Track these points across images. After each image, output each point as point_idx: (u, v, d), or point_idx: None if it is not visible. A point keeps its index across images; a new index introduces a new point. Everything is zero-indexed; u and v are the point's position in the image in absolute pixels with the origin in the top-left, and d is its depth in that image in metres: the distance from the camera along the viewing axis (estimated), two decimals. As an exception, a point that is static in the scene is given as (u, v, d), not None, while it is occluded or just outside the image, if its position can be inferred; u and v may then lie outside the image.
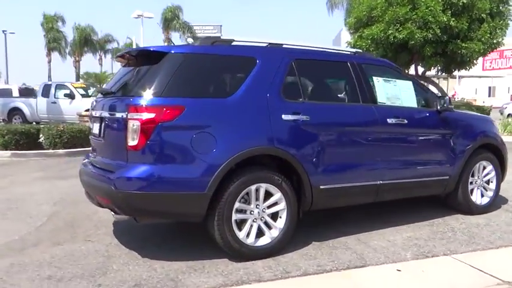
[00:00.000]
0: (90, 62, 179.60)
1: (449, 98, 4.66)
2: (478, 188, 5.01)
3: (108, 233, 4.32)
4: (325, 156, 3.81)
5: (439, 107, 4.58)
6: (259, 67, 3.65)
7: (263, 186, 3.55)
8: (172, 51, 3.44)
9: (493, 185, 5.12)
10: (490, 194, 5.11)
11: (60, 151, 9.79)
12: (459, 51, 12.91)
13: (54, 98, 14.37)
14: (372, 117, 4.13)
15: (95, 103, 3.93)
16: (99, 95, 4.11)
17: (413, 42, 12.60)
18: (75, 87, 14.49)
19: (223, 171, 3.34)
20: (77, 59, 43.87)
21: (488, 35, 12.85)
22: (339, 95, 4.29)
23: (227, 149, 3.39)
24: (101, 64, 51.85)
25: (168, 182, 3.29)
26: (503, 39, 13.52)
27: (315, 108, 3.86)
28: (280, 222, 3.66)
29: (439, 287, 3.18)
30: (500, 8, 13.36)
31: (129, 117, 3.25)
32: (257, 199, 3.56)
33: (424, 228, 4.49)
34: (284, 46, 4.00)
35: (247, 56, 3.70)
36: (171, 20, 40.94)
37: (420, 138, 4.51)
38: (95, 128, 3.85)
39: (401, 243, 4.04)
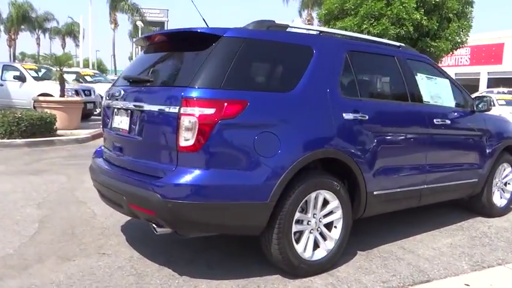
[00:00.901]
0: (26, 42, 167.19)
1: (489, 98, 4.50)
2: (498, 190, 4.95)
3: (122, 243, 3.71)
4: (379, 159, 3.48)
5: (475, 108, 4.42)
6: (317, 58, 3.22)
7: (322, 194, 3.16)
8: (227, 35, 2.91)
9: (510, 187, 5.08)
10: (508, 196, 5.06)
11: (19, 141, 8.70)
12: (428, 49, 13.19)
13: (1, 80, 12.84)
14: (421, 117, 3.86)
15: (119, 91, 3.26)
16: (122, 82, 3.45)
17: (386, 38, 12.67)
18: (26, 69, 13.03)
19: (287, 177, 2.89)
20: (13, 37, 40.47)
21: (455, 34, 13.24)
22: (390, 93, 3.96)
23: (292, 151, 2.94)
24: (38, 44, 48.34)
25: (227, 190, 2.78)
26: (466, 39, 14.00)
27: (372, 106, 3.50)
28: (336, 233, 3.29)
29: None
30: (465, 9, 13.75)
31: (182, 112, 2.69)
32: (314, 207, 3.16)
33: (457, 234, 4.32)
34: (336, 36, 3.59)
35: (304, 45, 3.24)
36: (119, 0, 38.85)
37: (458, 140, 4.32)
38: (121, 122, 3.23)
39: (448, 251, 3.81)
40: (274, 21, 3.24)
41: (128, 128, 3.14)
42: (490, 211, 4.85)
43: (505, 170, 4.98)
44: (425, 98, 4.01)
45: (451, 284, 3.19)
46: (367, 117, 3.37)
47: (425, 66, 4.20)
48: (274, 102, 2.95)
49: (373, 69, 3.79)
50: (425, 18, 12.46)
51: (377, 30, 12.58)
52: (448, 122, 4.10)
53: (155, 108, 2.86)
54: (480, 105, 4.39)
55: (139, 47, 3.80)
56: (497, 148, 4.68)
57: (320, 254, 3.20)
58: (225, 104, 2.71)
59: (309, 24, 33.38)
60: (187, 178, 2.70)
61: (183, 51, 3.10)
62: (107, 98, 3.53)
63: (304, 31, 3.52)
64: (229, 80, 2.79)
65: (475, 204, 4.82)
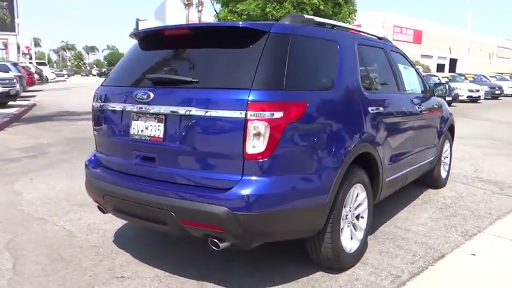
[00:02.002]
0: None
1: (447, 84, 5.01)
2: (441, 164, 5.60)
3: (132, 261, 3.31)
4: (390, 148, 3.68)
5: (434, 93, 4.90)
6: (342, 53, 3.23)
7: (357, 187, 3.23)
8: (273, 31, 2.72)
9: (448, 160, 5.79)
10: (447, 168, 5.77)
11: None
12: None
13: None
14: (410, 105, 4.16)
15: (145, 93, 2.80)
16: (146, 83, 2.94)
17: (289, 21, 13.10)
18: None
19: (341, 175, 2.90)
20: None
21: (346, 18, 14.31)
22: (386, 84, 4.13)
23: (342, 149, 2.94)
24: None
25: (295, 196, 2.67)
26: (353, 23, 15.23)
27: (381, 98, 3.65)
28: (363, 223, 3.40)
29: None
30: (349, -5, 14.87)
31: (249, 117, 2.47)
32: (351, 201, 3.22)
33: (427, 208, 4.80)
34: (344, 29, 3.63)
35: (331, 40, 3.21)
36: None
37: (427, 123, 4.75)
38: (148, 128, 2.82)
39: (435, 226, 4.22)
40: (303, 16, 3.14)
41: (162, 136, 2.76)
42: (439, 183, 5.50)
43: (444, 146, 5.66)
44: (407, 86, 4.32)
45: (461, 256, 3.55)
46: (381, 109, 3.51)
47: (400, 56, 4.49)
48: (324, 102, 2.90)
49: (373, 62, 3.93)
50: (322, 3, 13.17)
51: (280, 13, 12.91)
52: (422, 107, 4.49)
53: (210, 113, 2.56)
54: (439, 91, 4.88)
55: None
56: (445, 128, 5.30)
57: (355, 245, 3.29)
58: (291, 106, 2.57)
59: (188, 4, 32.68)
60: (257, 188, 2.51)
61: (222, 48, 2.80)
62: (109, 101, 3.06)
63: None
64: (288, 81, 2.64)
65: (428, 179, 5.39)
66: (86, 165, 3.36)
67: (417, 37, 51.33)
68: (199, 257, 3.40)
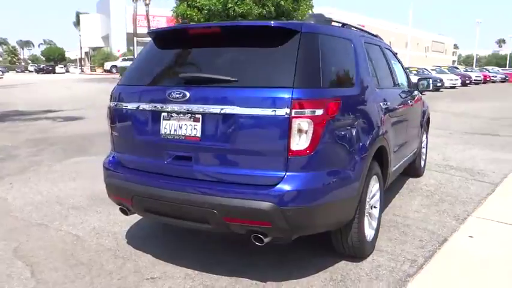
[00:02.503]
0: None
1: (429, 79, 5.32)
2: (421, 154, 5.96)
3: (156, 262, 3.29)
4: (393, 140, 3.89)
5: (418, 87, 5.21)
6: (356, 51, 3.38)
7: (374, 179, 3.41)
8: (304, 31, 2.81)
9: (424, 150, 6.17)
10: (424, 157, 6.15)
11: None
12: (285, 28, 14.16)
13: None
14: (404, 99, 4.42)
15: (180, 92, 2.77)
16: (178, 82, 2.91)
17: (251, 17, 13.17)
18: None
19: (366, 167, 3.06)
20: None
21: (305, 14, 14.63)
22: (386, 79, 4.33)
23: (367, 143, 3.10)
24: None
25: (334, 189, 2.78)
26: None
27: (386, 93, 3.85)
28: (376, 212, 3.59)
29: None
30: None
31: (293, 114, 2.54)
32: (369, 192, 3.39)
33: (415, 196, 5.11)
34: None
35: (347, 39, 3.34)
36: None
37: (415, 115, 5.04)
38: (182, 127, 2.81)
39: (429, 212, 4.51)
40: (323, 15, 3.24)
41: (199, 135, 2.77)
42: (419, 172, 5.85)
43: (423, 137, 6.03)
44: (398, 81, 4.57)
45: (461, 238, 3.84)
46: (388, 104, 3.72)
47: (391, 53, 4.73)
48: (352, 98, 3.03)
49: (375, 59, 4.11)
50: (283, -1, 13.38)
51: (242, 9, 12.94)
52: (412, 101, 4.77)
53: (253, 111, 2.61)
54: (423, 85, 5.19)
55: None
56: (425, 120, 5.65)
57: (371, 233, 3.47)
58: (329, 103, 2.68)
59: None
60: (302, 183, 2.61)
61: (255, 47, 2.84)
62: (133, 100, 3.03)
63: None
64: (324, 79, 2.75)
65: (412, 170, 5.71)
66: (105, 167, 3.27)
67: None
68: (221, 253, 3.44)
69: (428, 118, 6.03)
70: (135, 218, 4.15)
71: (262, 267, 3.22)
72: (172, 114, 2.86)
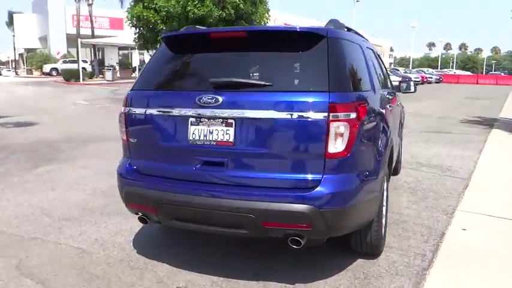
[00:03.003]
0: None
1: (410, 81, 5.58)
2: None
3: (176, 271, 3.21)
4: (393, 140, 4.06)
5: (400, 89, 5.46)
6: (365, 55, 3.51)
7: (384, 178, 3.54)
8: (330, 36, 2.87)
9: (400, 149, 6.47)
10: (400, 156, 6.46)
11: None
12: (244, 31, 14.21)
13: None
14: (393, 100, 4.62)
15: (213, 97, 2.74)
16: (207, 87, 2.84)
17: (211, 20, 13.07)
18: None
19: (385, 167, 3.18)
20: None
21: (262, 17, 14.78)
22: (381, 82, 4.48)
23: (385, 143, 3.23)
24: None
25: (366, 189, 2.87)
26: (267, 22, 15.75)
27: (387, 96, 4.02)
28: (384, 210, 3.73)
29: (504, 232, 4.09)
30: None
31: (331, 118, 2.60)
32: (381, 191, 3.53)
33: (400, 193, 5.34)
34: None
35: (357, 44, 3.45)
36: None
37: (400, 116, 5.28)
38: (213, 132, 2.78)
39: (419, 208, 4.74)
40: (339, 21, 3.32)
41: (232, 140, 2.74)
42: (398, 170, 6.13)
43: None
44: (386, 82, 4.77)
45: (457, 232, 4.08)
46: (389, 106, 3.89)
47: (377, 55, 4.93)
48: (372, 101, 3.13)
49: (373, 62, 4.26)
50: (242, 1, 13.41)
51: (202, 11, 12.83)
52: (399, 102, 5.00)
53: (290, 115, 2.63)
54: (405, 87, 5.44)
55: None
56: (403, 120, 5.94)
57: (384, 231, 3.60)
58: (359, 106, 2.75)
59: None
60: (339, 185, 2.67)
61: (282, 51, 2.86)
62: (153, 106, 2.95)
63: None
64: (353, 83, 2.83)
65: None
66: (122, 176, 3.15)
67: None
68: (239, 258, 3.43)
69: (404, 118, 6.34)
70: (136, 227, 4.04)
71: (285, 270, 3.24)
72: (202, 120, 2.81)
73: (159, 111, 2.94)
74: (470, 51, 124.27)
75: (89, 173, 6.06)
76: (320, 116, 2.60)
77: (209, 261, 3.38)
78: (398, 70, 41.51)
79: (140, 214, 3.09)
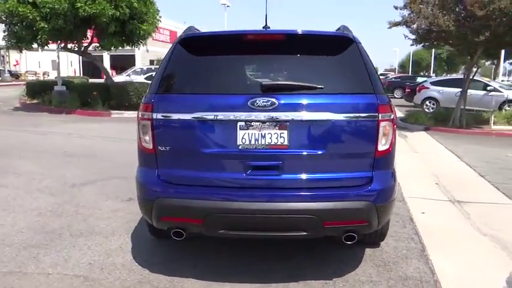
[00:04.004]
0: None
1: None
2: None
3: (208, 284, 3.06)
4: None
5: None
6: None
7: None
8: (355, 40, 3.04)
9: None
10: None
11: None
12: (138, 31, 13.51)
13: None
14: None
15: (268, 101, 2.68)
16: (255, 90, 2.78)
17: (104, 19, 12.12)
18: None
19: None
20: None
21: (154, 18, 14.24)
22: None
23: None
24: None
25: (396, 183, 3.09)
26: (159, 23, 15.20)
27: None
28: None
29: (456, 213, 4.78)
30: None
31: (380, 118, 2.78)
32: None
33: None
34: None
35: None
36: None
37: None
38: (267, 136, 2.73)
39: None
40: (347, 26, 3.49)
41: (287, 143, 2.73)
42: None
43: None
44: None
45: (419, 216, 4.64)
46: None
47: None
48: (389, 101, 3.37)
49: None
50: (135, 0, 12.77)
51: (94, 9, 11.85)
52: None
53: (344, 117, 2.73)
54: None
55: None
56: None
57: (388, 220, 3.90)
58: (392, 107, 2.99)
59: None
60: (387, 181, 2.88)
61: (319, 55, 2.93)
62: (191, 110, 2.78)
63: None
64: (382, 85, 3.05)
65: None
66: (151, 188, 2.86)
67: (173, 37, 53.89)
68: (260, 263, 3.40)
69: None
70: (125, 245, 3.72)
71: (312, 268, 3.32)
72: (252, 124, 2.74)
73: (199, 116, 2.77)
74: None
75: (17, 193, 5.23)
76: (371, 116, 2.77)
77: (235, 268, 3.30)
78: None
79: (176, 228, 2.86)
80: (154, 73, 17.25)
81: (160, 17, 14.80)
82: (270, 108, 2.71)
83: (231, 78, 2.92)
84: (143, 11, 13.25)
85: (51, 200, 4.97)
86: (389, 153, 2.89)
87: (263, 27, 3.38)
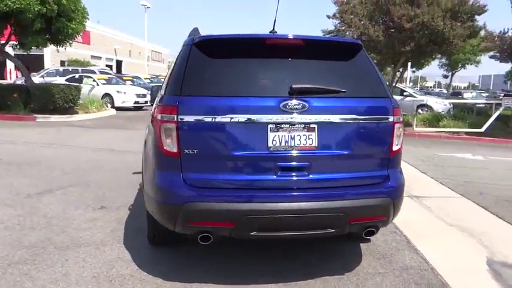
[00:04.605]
0: None
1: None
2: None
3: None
4: None
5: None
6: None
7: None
8: (362, 48, 3.25)
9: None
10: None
11: None
12: (65, 30, 12.58)
13: None
14: None
15: (300, 104, 2.78)
16: (282, 92, 2.84)
17: (29, 15, 11.13)
18: None
19: None
20: None
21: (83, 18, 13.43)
22: None
23: None
24: None
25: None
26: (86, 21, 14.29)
27: None
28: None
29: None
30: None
31: (395, 120, 3.00)
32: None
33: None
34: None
35: None
36: None
37: None
38: (296, 138, 2.81)
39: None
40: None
41: (315, 144, 2.82)
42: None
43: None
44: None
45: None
46: None
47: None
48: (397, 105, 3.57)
49: None
50: (66, -2, 11.96)
51: (18, 4, 10.86)
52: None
53: (366, 119, 2.91)
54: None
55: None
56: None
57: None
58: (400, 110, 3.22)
59: None
60: (400, 178, 3.10)
61: (334, 59, 3.07)
62: (220, 112, 2.77)
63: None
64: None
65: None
66: (177, 192, 2.77)
67: (86, 38, 51.22)
68: (271, 263, 3.46)
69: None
70: (125, 254, 3.56)
71: (322, 265, 3.45)
72: (282, 126, 2.80)
73: (230, 119, 2.76)
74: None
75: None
76: (389, 118, 2.99)
77: (249, 270, 3.32)
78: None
79: (204, 233, 2.81)
80: (78, 75, 16.21)
81: (88, 15, 14.01)
82: (301, 110, 2.80)
83: (258, 81, 2.95)
84: (71, 8, 12.45)
85: (11, 211, 4.53)
86: (400, 153, 3.13)
87: (270, 32, 3.44)
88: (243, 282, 3.13)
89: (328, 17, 12.86)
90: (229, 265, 3.41)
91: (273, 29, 3.53)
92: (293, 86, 2.82)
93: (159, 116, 2.88)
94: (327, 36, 3.34)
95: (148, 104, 18.51)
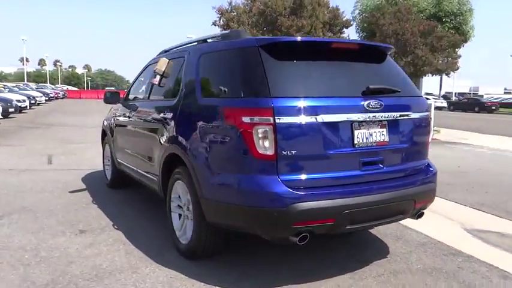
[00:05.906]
0: None
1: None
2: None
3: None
4: None
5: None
6: None
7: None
8: (389, 51, 3.65)
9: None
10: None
11: None
12: None
13: None
14: None
15: (378, 103, 3.05)
16: (356, 92, 3.08)
17: None
18: None
19: None
20: None
21: None
22: None
23: None
24: None
25: None
26: None
27: None
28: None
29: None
30: None
31: (430, 116, 3.50)
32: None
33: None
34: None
35: None
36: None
37: None
38: (372, 135, 3.10)
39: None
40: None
41: (387, 139, 3.13)
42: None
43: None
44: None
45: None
46: None
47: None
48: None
49: None
50: None
51: None
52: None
53: (417, 115, 3.33)
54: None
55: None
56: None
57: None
58: None
59: None
60: (433, 165, 3.59)
61: (379, 62, 3.43)
62: (312, 113, 2.85)
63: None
64: None
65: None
66: (280, 195, 2.76)
67: None
68: (291, 262, 3.55)
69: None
70: (169, 274, 3.27)
71: (341, 260, 3.58)
72: (363, 123, 3.02)
73: (324, 119, 2.87)
74: (65, 68, 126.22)
75: None
76: (428, 114, 3.49)
77: (298, 268, 3.40)
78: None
79: (305, 232, 2.83)
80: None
81: None
82: (379, 109, 3.08)
83: (336, 81, 3.10)
84: None
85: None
86: (428, 143, 3.64)
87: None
88: (285, 282, 3.16)
89: (214, 24, 13.13)
90: (262, 266, 3.44)
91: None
92: (370, 86, 3.07)
93: (246, 119, 2.79)
94: (371, 42, 3.69)
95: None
